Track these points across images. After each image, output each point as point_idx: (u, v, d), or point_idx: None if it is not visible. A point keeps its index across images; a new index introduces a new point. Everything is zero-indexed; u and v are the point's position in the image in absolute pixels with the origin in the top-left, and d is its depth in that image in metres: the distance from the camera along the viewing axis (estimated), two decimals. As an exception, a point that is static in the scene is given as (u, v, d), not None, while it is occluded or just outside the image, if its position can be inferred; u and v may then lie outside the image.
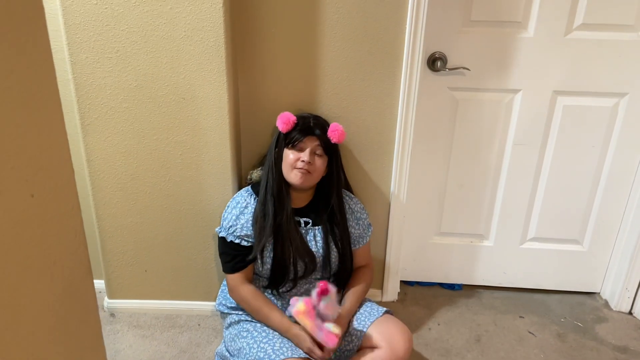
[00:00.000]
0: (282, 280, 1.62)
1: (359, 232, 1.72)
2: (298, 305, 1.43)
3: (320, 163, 1.60)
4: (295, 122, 1.60)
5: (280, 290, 1.64)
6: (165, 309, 2.00)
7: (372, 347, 1.52)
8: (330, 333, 1.42)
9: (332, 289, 1.43)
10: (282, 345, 1.47)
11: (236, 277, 1.63)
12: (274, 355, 1.42)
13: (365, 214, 1.75)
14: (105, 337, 1.88)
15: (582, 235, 2.08)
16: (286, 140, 1.61)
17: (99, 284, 2.02)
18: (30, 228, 0.59)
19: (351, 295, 1.64)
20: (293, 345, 1.49)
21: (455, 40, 1.80)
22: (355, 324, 1.57)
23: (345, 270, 1.69)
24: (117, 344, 1.86)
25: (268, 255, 1.60)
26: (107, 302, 2.00)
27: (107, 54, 1.62)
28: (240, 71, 1.76)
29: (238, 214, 1.62)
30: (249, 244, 1.61)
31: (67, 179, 0.65)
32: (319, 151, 1.60)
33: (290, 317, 1.52)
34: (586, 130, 1.91)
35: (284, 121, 1.60)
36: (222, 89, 1.66)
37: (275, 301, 1.63)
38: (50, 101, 0.61)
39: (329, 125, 1.63)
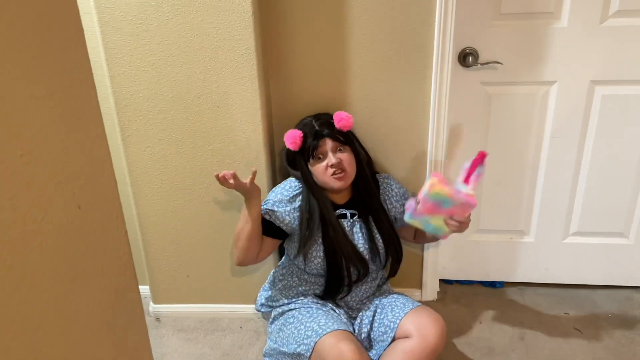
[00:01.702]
0: (338, 288, 1.64)
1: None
2: (431, 179, 1.40)
3: (347, 157, 1.60)
4: (302, 135, 1.60)
5: (337, 298, 1.67)
6: (208, 312, 2.05)
7: (402, 337, 1.51)
8: (468, 195, 1.41)
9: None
10: (327, 320, 1.51)
11: None
12: (321, 330, 1.47)
13: (403, 188, 1.76)
14: (152, 342, 1.94)
15: (628, 227, 2.01)
16: (304, 155, 1.61)
17: (144, 289, 2.09)
18: (78, 238, 0.63)
19: None
20: (337, 319, 1.53)
21: (486, 35, 1.77)
22: (389, 315, 1.57)
23: (395, 252, 1.69)
24: (162, 347, 1.91)
25: (314, 255, 1.62)
26: (152, 307, 2.07)
27: (144, 67, 1.67)
28: (272, 77, 1.79)
29: (282, 198, 1.64)
30: (268, 220, 1.64)
31: (110, 190, 0.69)
32: (340, 147, 1.60)
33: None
34: (627, 120, 1.85)
35: (292, 140, 1.60)
36: (254, 96, 1.69)
37: (332, 308, 1.65)
38: (91, 117, 0.64)
39: (332, 118, 1.62)
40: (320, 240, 1.60)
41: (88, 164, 0.64)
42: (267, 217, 1.64)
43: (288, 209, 1.63)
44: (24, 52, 0.53)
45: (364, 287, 1.70)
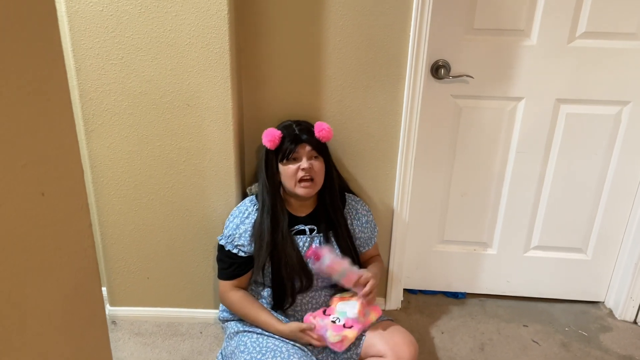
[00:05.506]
0: (284, 298, 1.62)
1: (367, 234, 1.72)
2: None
3: (318, 165, 1.60)
4: (281, 135, 1.60)
5: (285, 308, 1.65)
6: (167, 316, 1.99)
7: (376, 357, 1.50)
8: (333, 343, 1.49)
9: (323, 250, 1.53)
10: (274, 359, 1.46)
11: (228, 284, 1.66)
12: None
13: (371, 216, 1.76)
14: (107, 345, 1.87)
15: (586, 243, 2.07)
16: (278, 155, 1.60)
17: (101, 291, 2.01)
18: (41, 227, 0.59)
19: (371, 267, 1.72)
20: (286, 357, 1.46)
21: (458, 48, 1.80)
22: None
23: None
24: (118, 352, 1.84)
25: (268, 270, 1.61)
26: (108, 309, 1.99)
27: (112, 60, 1.62)
28: (244, 78, 1.77)
29: (239, 223, 1.63)
30: (246, 255, 1.62)
31: (77, 179, 0.65)
32: (315, 155, 1.60)
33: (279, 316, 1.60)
34: (589, 138, 1.91)
35: (270, 138, 1.59)
36: (226, 96, 1.66)
37: (281, 318, 1.63)
38: (60, 100, 0.61)
39: (313, 127, 1.63)
40: (269, 249, 1.58)
41: (55, 149, 0.60)
42: (241, 253, 1.63)
43: (242, 230, 1.63)
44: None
45: (322, 292, 1.68)
